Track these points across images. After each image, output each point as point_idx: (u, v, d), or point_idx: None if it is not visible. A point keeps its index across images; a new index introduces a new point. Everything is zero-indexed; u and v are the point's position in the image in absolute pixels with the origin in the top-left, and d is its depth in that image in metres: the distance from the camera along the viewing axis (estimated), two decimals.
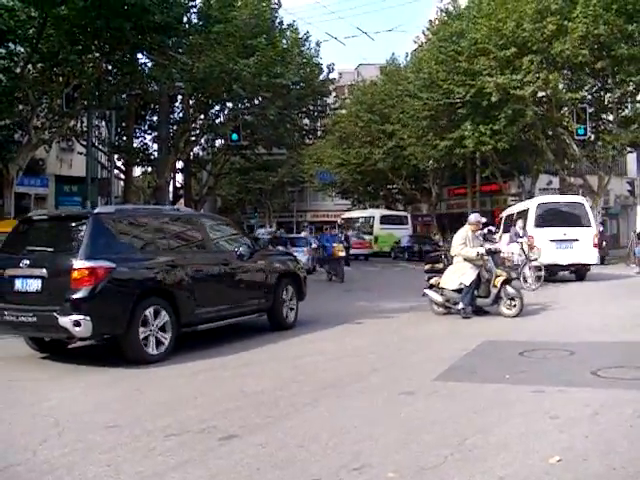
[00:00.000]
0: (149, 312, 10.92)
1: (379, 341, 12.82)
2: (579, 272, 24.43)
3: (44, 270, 10.56)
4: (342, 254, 28.45)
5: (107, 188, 37.26)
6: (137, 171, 47.94)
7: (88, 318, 10.10)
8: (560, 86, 33.40)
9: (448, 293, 15.49)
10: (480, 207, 52.18)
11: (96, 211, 11.74)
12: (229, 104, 38.79)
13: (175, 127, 39.37)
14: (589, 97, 36.22)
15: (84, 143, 35.08)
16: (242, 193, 70.31)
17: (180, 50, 27.24)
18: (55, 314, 10.17)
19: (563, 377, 8.92)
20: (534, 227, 24.01)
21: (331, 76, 45.62)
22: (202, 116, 39.82)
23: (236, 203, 74.35)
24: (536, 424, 6.96)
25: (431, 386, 8.76)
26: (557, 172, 41.53)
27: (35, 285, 10.57)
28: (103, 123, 38.43)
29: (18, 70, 24.74)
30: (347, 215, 60.14)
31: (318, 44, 43.67)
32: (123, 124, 39.02)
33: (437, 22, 42.24)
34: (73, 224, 11.57)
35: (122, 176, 40.66)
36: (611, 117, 36.43)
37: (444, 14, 41.31)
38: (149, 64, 29.40)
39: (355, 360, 10.86)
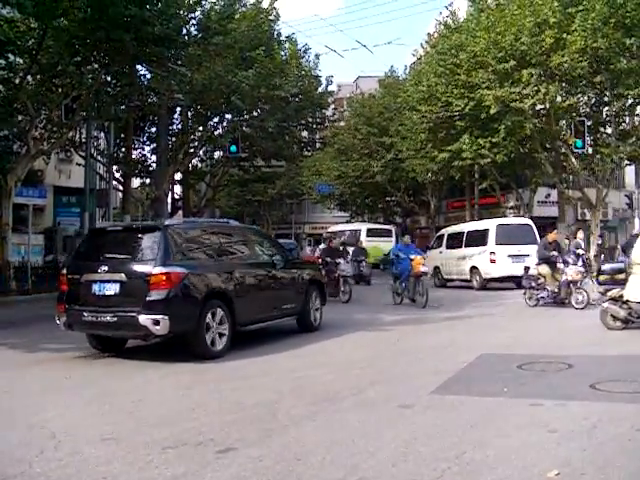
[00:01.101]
0: (212, 313, 12.36)
1: (377, 353, 12.82)
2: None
3: (123, 275, 11.96)
4: (424, 269, 22.15)
5: (105, 199, 37.26)
6: (135, 182, 48.01)
7: (166, 317, 11.57)
8: (558, 99, 33.44)
9: (635, 306, 14.21)
10: (478, 220, 52.20)
11: (166, 223, 13.32)
12: (228, 116, 38.81)
13: (174, 139, 39.42)
14: (587, 110, 36.26)
15: (83, 154, 35.10)
16: (240, 205, 70.31)
17: (179, 62, 27.29)
18: (136, 314, 11.60)
19: (561, 390, 8.90)
20: (495, 245, 28.02)
21: (330, 88, 45.72)
22: (201, 128, 39.83)
23: (234, 215, 74.32)
24: (534, 438, 6.94)
25: (429, 399, 8.74)
26: (555, 185, 41.54)
27: (113, 289, 11.96)
28: (102, 134, 38.47)
29: (17, 81, 24.79)
30: (333, 228, 60.33)
31: (317, 56, 43.85)
32: (122, 135, 39.05)
33: (436, 35, 42.33)
34: (146, 235, 12.84)
35: (120, 187, 40.64)
36: (609, 130, 36.46)
37: (443, 27, 41.39)
38: (148, 76, 29.47)
39: (353, 373, 10.83)
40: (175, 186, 46.39)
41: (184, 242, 12.87)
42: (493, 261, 27.92)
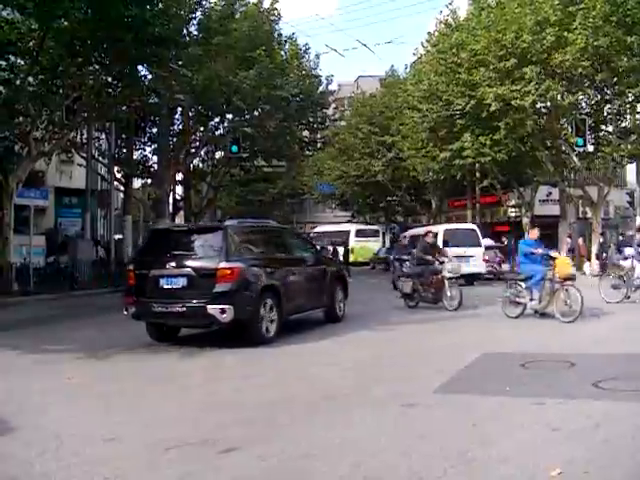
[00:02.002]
0: (264, 304, 13.95)
1: (380, 353, 12.81)
2: (472, 278, 29.22)
3: (190, 270, 13.53)
4: (571, 272, 17.13)
5: (107, 200, 37.32)
6: (137, 183, 47.95)
7: (231, 307, 13.13)
8: (559, 97, 33.40)
9: None
10: (480, 219, 52.23)
11: (226, 224, 14.96)
12: (229, 116, 38.80)
13: (175, 139, 39.39)
14: (588, 108, 36.24)
15: (84, 155, 35.11)
16: (242, 205, 70.25)
17: (180, 62, 27.28)
18: (204, 304, 13.16)
19: (564, 389, 8.89)
20: (441, 247, 28.96)
21: (330, 88, 45.69)
22: (202, 128, 39.81)
23: (236, 215, 74.33)
24: (537, 436, 6.94)
25: (432, 398, 8.75)
26: (557, 183, 41.51)
27: (181, 282, 13.46)
28: (103, 135, 38.46)
29: (18, 82, 24.78)
30: (319, 229, 60.55)
31: (317, 56, 43.79)
32: (123, 136, 39.03)
33: (436, 34, 42.25)
34: (208, 234, 14.68)
35: (122, 188, 40.64)
36: (610, 128, 36.44)
37: (443, 26, 41.31)
38: (149, 76, 29.45)
39: (356, 372, 10.84)
40: (176, 186, 46.30)
41: (240, 240, 14.48)
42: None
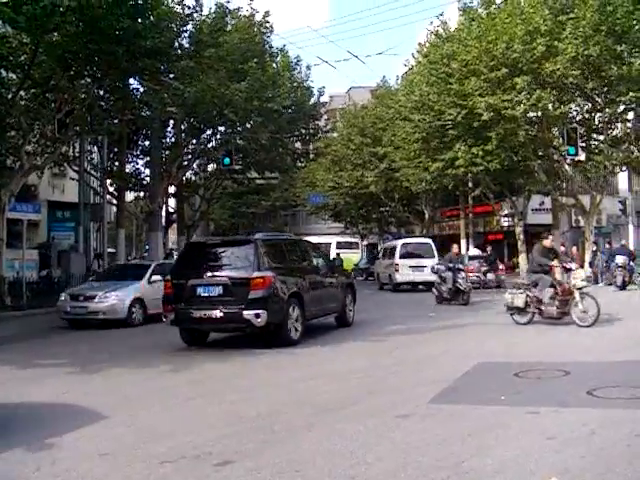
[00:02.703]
0: (291, 308, 15.54)
1: (374, 363, 12.80)
2: (427, 285, 31.52)
3: (225, 279, 15.09)
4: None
5: (100, 213, 37.25)
6: (129, 196, 47.87)
7: (265, 312, 14.64)
8: (550, 106, 33.48)
9: None
10: (473, 229, 52.29)
11: (255, 237, 16.19)
12: (221, 128, 38.77)
13: (167, 152, 39.38)
14: (579, 117, 36.35)
15: (76, 169, 35.08)
16: (235, 217, 70.30)
17: (172, 75, 27.29)
18: (240, 310, 14.65)
19: (559, 397, 8.89)
20: (399, 258, 35.73)
21: (322, 99, 45.73)
22: (194, 141, 39.79)
23: (229, 227, 74.29)
24: (532, 445, 6.93)
25: (426, 408, 8.74)
26: (549, 192, 41.60)
27: (217, 290, 15.00)
28: (95, 148, 38.41)
29: (10, 96, 24.76)
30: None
31: (308, 67, 43.86)
32: (115, 149, 38.99)
33: (427, 44, 42.35)
34: (240, 246, 16.15)
35: (114, 201, 40.56)
36: (602, 137, 36.55)
37: (434, 37, 41.43)
38: (141, 89, 29.46)
39: (350, 383, 10.83)
40: (169, 199, 46.29)
41: (267, 252, 15.82)
42: (397, 270, 35.66)
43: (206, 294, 15.10)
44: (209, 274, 15.36)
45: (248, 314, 14.56)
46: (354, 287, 20.24)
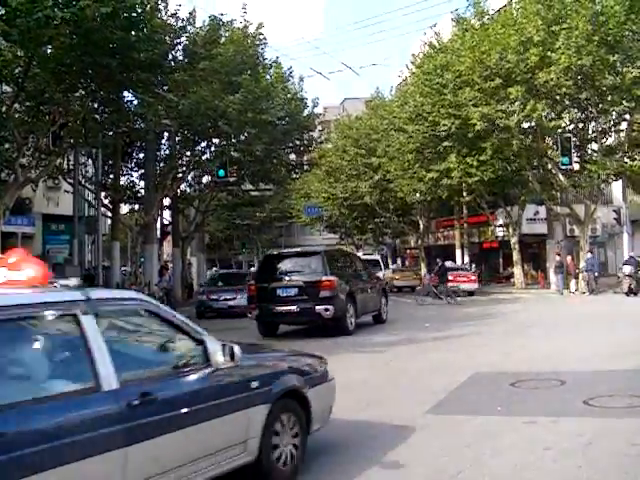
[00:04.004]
0: (348, 305, 19.96)
1: (371, 374, 12.80)
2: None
3: (300, 282, 19.61)
4: None
5: (94, 226, 37.21)
6: (124, 209, 47.84)
7: (332, 307, 19.05)
8: (544, 117, 33.57)
9: None
10: (468, 239, 52.35)
11: (321, 250, 22.61)
12: (215, 140, 38.75)
13: (162, 164, 39.35)
14: (573, 127, 36.44)
15: (71, 181, 35.02)
16: (230, 229, 70.24)
17: (166, 87, 27.29)
18: (313, 306, 19.03)
19: (555, 407, 8.89)
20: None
21: (316, 111, 45.79)
22: (188, 153, 39.75)
23: (224, 239, 74.26)
24: (529, 455, 6.93)
25: (423, 419, 8.73)
26: (544, 202, 41.68)
27: (294, 291, 19.52)
28: (90, 161, 38.34)
29: (4, 109, 24.71)
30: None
31: (302, 79, 43.93)
32: (110, 162, 38.94)
33: (421, 55, 42.50)
34: (311, 256, 20.77)
35: (109, 214, 40.52)
36: (595, 147, 36.63)
37: (428, 47, 41.57)
38: (135, 102, 29.43)
39: (347, 394, 10.77)
40: (164, 211, 46.24)
41: (330, 261, 20.35)
42: None
43: (284, 294, 19.54)
44: (286, 278, 20.05)
45: (319, 308, 18.90)
46: (387, 292, 25.68)
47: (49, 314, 5.08)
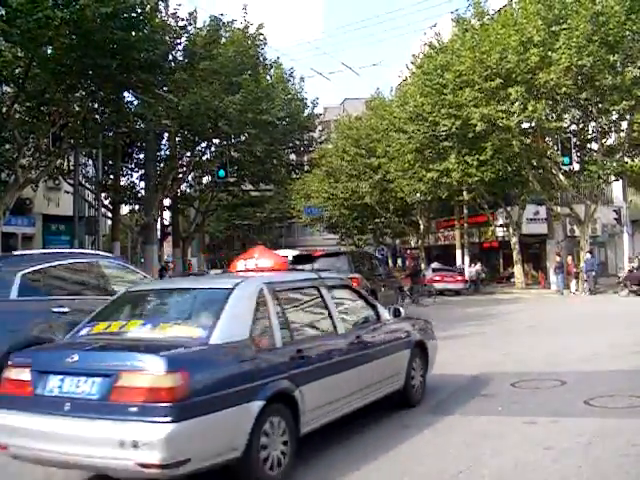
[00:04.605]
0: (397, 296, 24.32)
1: None
2: None
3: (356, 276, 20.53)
4: None
5: (95, 226, 37.15)
6: (124, 209, 47.86)
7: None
8: (544, 116, 33.57)
9: None
10: (468, 239, 52.34)
11: (346, 251, 26.91)
12: (215, 141, 38.77)
13: (162, 165, 39.34)
14: (573, 127, 36.45)
15: (71, 182, 34.99)
16: (230, 229, 70.23)
17: (166, 88, 27.29)
18: None
19: (555, 407, 8.89)
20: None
21: (316, 111, 45.80)
22: (189, 153, 39.76)
23: (224, 240, 74.25)
24: (529, 455, 6.92)
25: (424, 419, 8.72)
26: (544, 202, 41.69)
27: None
28: (90, 161, 38.34)
29: (4, 110, 24.73)
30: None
31: (302, 79, 43.95)
32: (110, 162, 38.92)
33: (421, 56, 42.48)
34: (337, 256, 23.21)
35: (109, 214, 40.54)
36: (596, 146, 36.63)
37: (428, 48, 41.54)
38: (135, 102, 29.45)
39: None
40: (164, 212, 46.26)
41: (354, 261, 22.64)
42: None
43: None
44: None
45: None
46: (402, 287, 29.46)
47: (306, 285, 8.38)
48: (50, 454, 5.95)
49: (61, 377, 6.10)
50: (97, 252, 17.51)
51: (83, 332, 7.15)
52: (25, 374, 6.31)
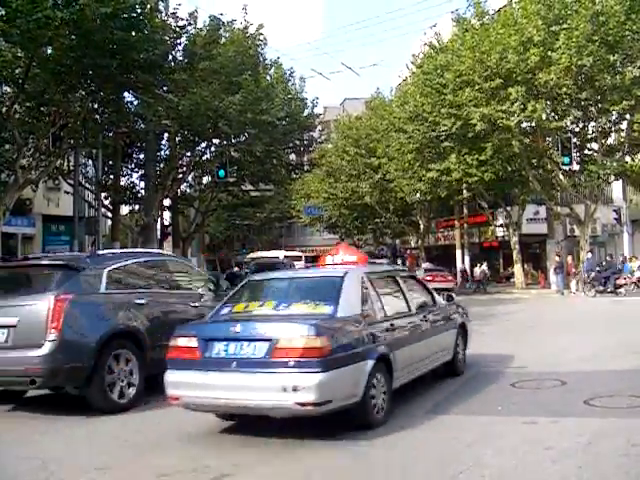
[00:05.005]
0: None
1: None
2: None
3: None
4: None
5: (95, 227, 37.15)
6: (124, 209, 47.84)
7: None
8: (544, 116, 33.60)
9: None
10: (468, 239, 52.35)
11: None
12: (215, 141, 38.76)
13: (162, 165, 39.31)
14: (573, 127, 36.44)
15: (71, 182, 35.00)
16: (230, 229, 70.22)
17: (166, 88, 27.28)
18: None
19: (555, 407, 8.89)
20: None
21: (316, 111, 45.81)
22: (188, 153, 39.76)
23: (224, 240, 74.24)
24: (529, 456, 6.92)
25: (424, 419, 8.72)
26: (544, 202, 41.69)
27: None
28: (90, 162, 38.35)
29: (4, 110, 24.72)
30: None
31: (302, 79, 43.97)
32: (110, 162, 38.90)
33: (421, 56, 42.50)
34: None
35: (109, 214, 40.52)
36: (596, 146, 36.64)
37: (428, 48, 41.55)
38: (135, 102, 29.44)
39: None
40: (164, 212, 46.23)
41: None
42: None
43: None
44: None
45: None
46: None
47: (388, 275, 10.82)
48: (219, 401, 8.12)
49: (225, 343, 8.21)
50: (162, 252, 20.09)
51: (224, 312, 9.30)
52: (192, 342, 8.39)
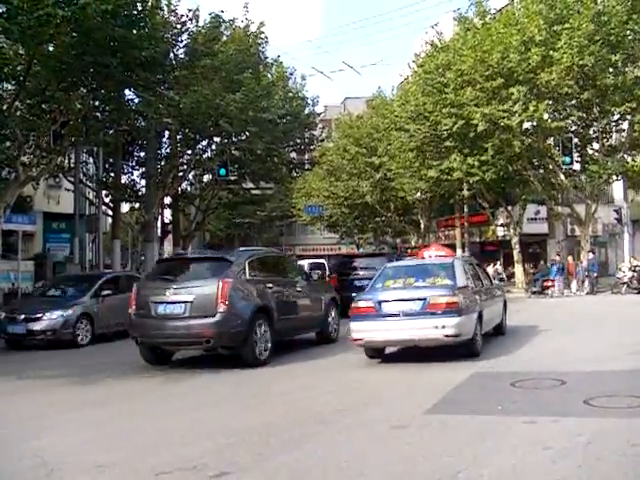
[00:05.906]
0: None
1: (368, 375, 12.78)
2: None
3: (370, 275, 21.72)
4: None
5: (95, 224, 37.20)
6: (125, 207, 47.83)
7: None
8: (545, 116, 33.58)
9: None
10: (469, 238, 52.33)
11: (384, 252, 37.53)
12: (216, 139, 38.72)
13: (162, 163, 39.28)
14: (575, 127, 36.42)
15: (72, 179, 35.03)
16: (230, 228, 70.12)
17: (167, 85, 27.28)
18: None
19: (555, 407, 8.88)
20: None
21: (316, 109, 45.79)
22: (189, 151, 39.72)
23: (224, 238, 74.13)
24: (529, 455, 6.91)
25: (423, 419, 8.71)
26: (545, 202, 41.67)
27: (367, 282, 19.41)
28: (91, 159, 38.36)
29: (5, 107, 24.72)
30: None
31: (303, 78, 43.95)
32: (110, 160, 38.89)
33: (423, 55, 42.41)
34: (376, 257, 29.71)
35: (110, 212, 40.51)
36: (597, 146, 36.62)
37: (429, 47, 41.49)
38: (136, 100, 29.43)
39: (346, 395, 10.79)
40: (165, 210, 46.20)
41: (390, 260, 23.68)
42: None
43: (360, 284, 23.00)
44: (361, 273, 26.45)
45: None
46: None
47: (469, 261, 17.11)
48: (392, 338, 13.45)
49: (392, 303, 13.42)
50: (272, 249, 23.57)
51: (379, 285, 14.44)
52: (370, 303, 13.56)
